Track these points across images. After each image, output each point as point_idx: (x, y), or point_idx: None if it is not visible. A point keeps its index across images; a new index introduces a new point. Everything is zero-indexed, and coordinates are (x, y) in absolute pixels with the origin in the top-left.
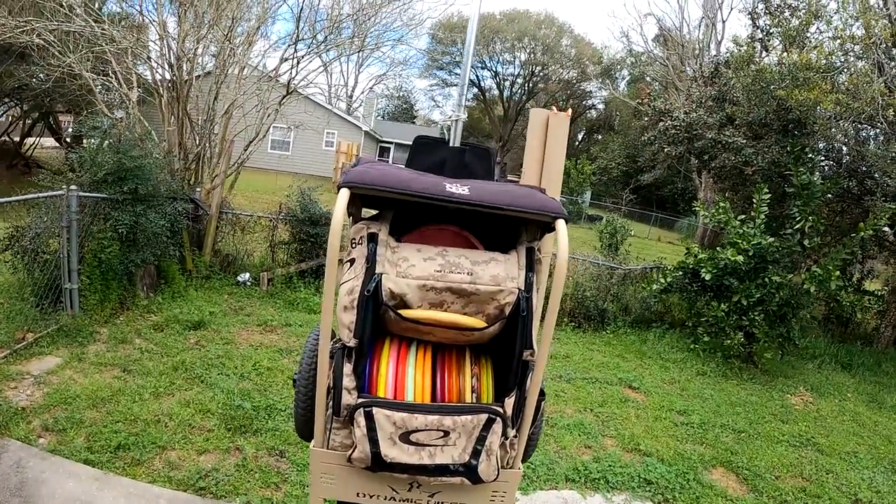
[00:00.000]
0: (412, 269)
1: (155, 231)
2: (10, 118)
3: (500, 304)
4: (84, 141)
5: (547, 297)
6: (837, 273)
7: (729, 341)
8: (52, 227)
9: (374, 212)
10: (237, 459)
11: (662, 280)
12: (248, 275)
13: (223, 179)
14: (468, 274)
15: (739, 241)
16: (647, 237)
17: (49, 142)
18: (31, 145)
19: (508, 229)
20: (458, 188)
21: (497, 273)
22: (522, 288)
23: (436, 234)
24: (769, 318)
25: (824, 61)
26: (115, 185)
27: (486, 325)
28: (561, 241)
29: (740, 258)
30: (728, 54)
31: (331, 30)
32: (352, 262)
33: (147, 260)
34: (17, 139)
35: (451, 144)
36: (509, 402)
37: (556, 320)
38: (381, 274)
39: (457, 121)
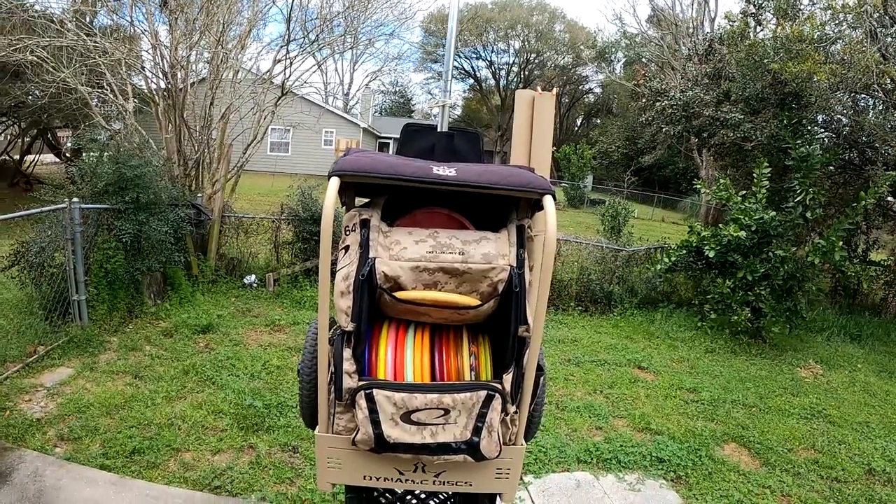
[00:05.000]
0: (404, 251)
1: (159, 238)
2: (8, 137)
3: (492, 282)
4: (83, 154)
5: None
6: (841, 244)
7: (736, 317)
8: (56, 240)
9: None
10: (251, 457)
11: (667, 260)
12: (253, 277)
13: (224, 184)
14: (460, 253)
15: (742, 217)
16: (651, 218)
17: (49, 158)
18: (31, 162)
19: (499, 210)
20: (445, 170)
21: (488, 251)
22: (514, 265)
23: (427, 218)
24: (775, 293)
25: (817, 33)
26: (117, 196)
27: (480, 302)
28: (549, 216)
29: (743, 234)
30: (721, 31)
31: (322, 28)
32: (346, 249)
33: (153, 267)
34: (16, 157)
35: (439, 130)
36: (507, 378)
37: (563, 305)
38: (375, 258)
39: (443, 106)
